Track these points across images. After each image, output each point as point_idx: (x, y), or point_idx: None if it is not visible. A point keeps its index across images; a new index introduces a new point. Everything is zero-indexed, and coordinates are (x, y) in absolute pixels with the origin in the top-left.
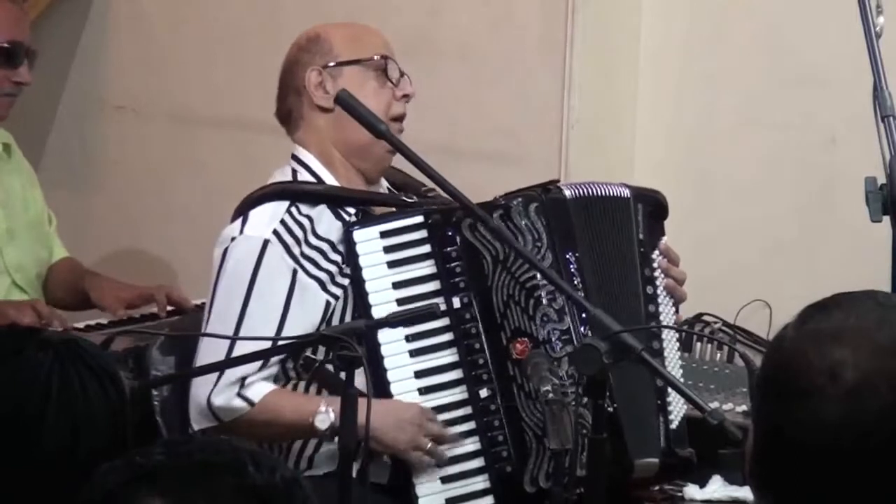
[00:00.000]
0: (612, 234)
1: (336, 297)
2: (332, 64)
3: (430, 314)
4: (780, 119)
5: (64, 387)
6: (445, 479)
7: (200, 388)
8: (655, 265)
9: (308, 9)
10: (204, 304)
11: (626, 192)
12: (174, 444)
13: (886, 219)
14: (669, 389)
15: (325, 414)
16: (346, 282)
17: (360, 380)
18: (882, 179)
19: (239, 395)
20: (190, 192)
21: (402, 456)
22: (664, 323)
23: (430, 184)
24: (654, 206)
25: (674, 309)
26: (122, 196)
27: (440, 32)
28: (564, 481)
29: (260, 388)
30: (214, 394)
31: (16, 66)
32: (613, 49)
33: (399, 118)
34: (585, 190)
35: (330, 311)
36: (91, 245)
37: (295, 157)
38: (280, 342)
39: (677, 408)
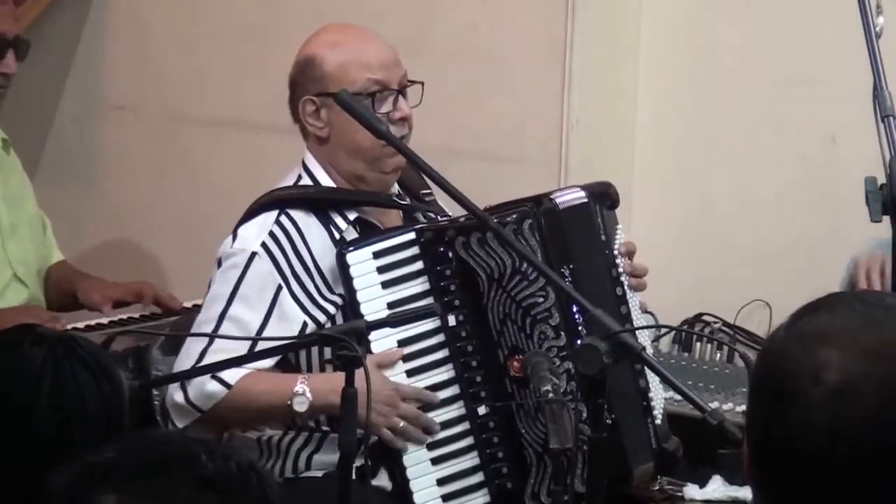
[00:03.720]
0: (586, 241)
1: (315, 321)
2: (323, 93)
3: (430, 312)
4: (780, 119)
5: (56, 380)
6: (447, 497)
7: (173, 386)
8: (619, 261)
9: (306, 9)
10: (200, 305)
11: (583, 195)
12: (125, 441)
13: (886, 219)
14: (650, 386)
15: (303, 396)
16: (329, 307)
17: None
18: (882, 179)
19: (213, 377)
20: (188, 191)
21: (375, 434)
22: (636, 322)
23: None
24: (609, 201)
25: (638, 302)
26: (120, 195)
27: (440, 32)
28: (565, 483)
29: (234, 372)
30: (187, 386)
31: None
32: (613, 49)
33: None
34: (566, 197)
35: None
36: (89, 243)
37: (304, 165)
38: (278, 343)
39: (658, 404)
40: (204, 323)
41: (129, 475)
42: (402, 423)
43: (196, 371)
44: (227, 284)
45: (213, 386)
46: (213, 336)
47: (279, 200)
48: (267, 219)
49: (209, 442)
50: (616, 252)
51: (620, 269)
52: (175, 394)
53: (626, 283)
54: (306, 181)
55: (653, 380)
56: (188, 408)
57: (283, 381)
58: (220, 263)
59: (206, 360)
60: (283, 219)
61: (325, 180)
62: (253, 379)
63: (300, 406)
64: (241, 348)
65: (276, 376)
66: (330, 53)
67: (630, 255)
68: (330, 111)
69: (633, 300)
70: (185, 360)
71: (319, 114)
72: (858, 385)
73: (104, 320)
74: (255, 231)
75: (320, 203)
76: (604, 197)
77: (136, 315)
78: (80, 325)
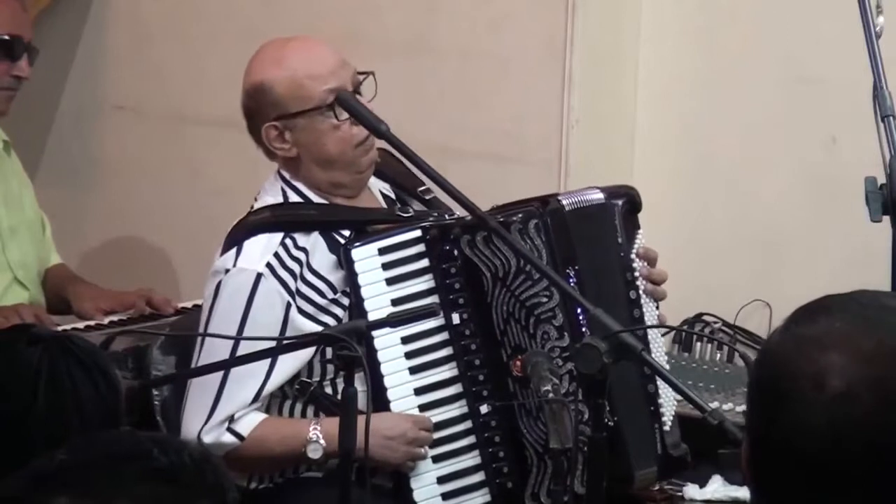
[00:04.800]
0: (600, 243)
1: (327, 327)
2: (283, 115)
3: (430, 313)
4: (780, 119)
5: (52, 380)
6: (446, 496)
7: (190, 424)
8: (635, 265)
9: (306, 9)
10: (200, 305)
11: (601, 196)
12: (76, 443)
13: (886, 219)
14: (660, 392)
15: (317, 443)
16: (338, 310)
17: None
18: (882, 179)
19: (228, 429)
20: (188, 191)
21: (397, 468)
22: (649, 325)
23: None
24: (629, 204)
25: (656, 309)
26: (120, 195)
27: (440, 32)
28: (565, 484)
29: (249, 421)
30: (204, 432)
31: (15, 59)
32: (613, 49)
33: (363, 142)
34: (574, 199)
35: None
36: (89, 244)
37: (282, 177)
38: (283, 342)
39: (668, 410)
40: (214, 354)
41: (80, 475)
42: (423, 451)
43: (196, 371)
44: (234, 313)
45: (227, 438)
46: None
47: (285, 224)
48: (272, 240)
49: (160, 437)
50: (633, 256)
51: (636, 274)
52: (190, 429)
53: (641, 287)
54: (294, 197)
55: (664, 386)
56: None
57: (296, 429)
58: (220, 283)
59: (225, 396)
60: (288, 241)
61: (310, 193)
62: (265, 428)
63: (314, 453)
64: (259, 372)
65: (289, 423)
66: (276, 74)
67: (651, 261)
68: (294, 132)
69: (649, 305)
70: (202, 398)
71: (284, 136)
72: (860, 389)
73: (104, 320)
74: (259, 250)
75: (325, 224)
76: (623, 200)
77: (136, 315)
78: (80, 325)
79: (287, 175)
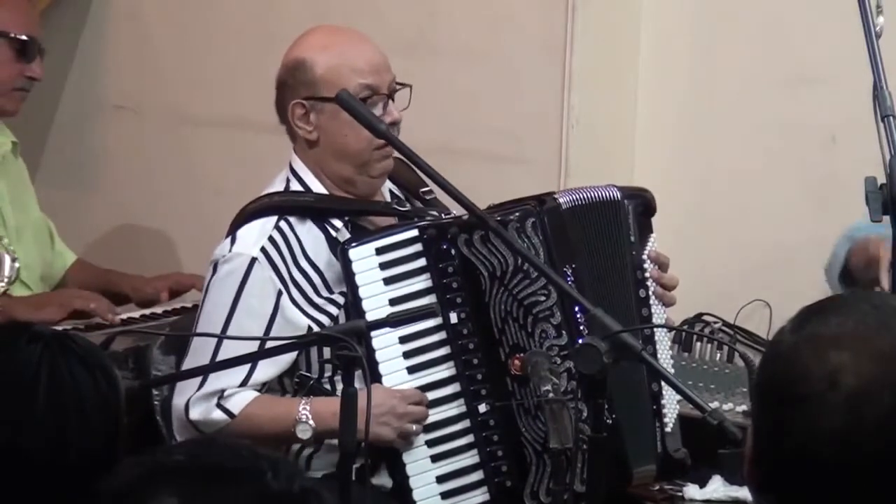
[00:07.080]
0: (606, 241)
1: (318, 324)
2: (314, 97)
3: (430, 313)
4: (780, 119)
5: (53, 378)
6: (446, 495)
7: (179, 398)
8: (646, 266)
9: (306, 9)
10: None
11: (617, 194)
12: (196, 446)
13: (886, 219)
14: (663, 393)
15: (306, 423)
16: (332, 308)
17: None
18: (882, 179)
19: (218, 405)
20: (188, 191)
21: (388, 445)
22: (646, 325)
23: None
24: (643, 206)
25: (664, 311)
26: (120, 195)
27: (440, 32)
28: (565, 483)
29: (240, 399)
30: (192, 405)
31: (29, 60)
32: (613, 49)
33: (382, 147)
34: (578, 196)
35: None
36: (90, 244)
37: (291, 168)
38: (277, 343)
39: (671, 411)
40: (207, 338)
41: (191, 481)
42: (414, 427)
43: (195, 371)
44: (227, 293)
45: (217, 414)
46: (217, 344)
47: (278, 207)
48: (266, 224)
49: (278, 460)
50: (644, 257)
51: (647, 274)
52: (179, 409)
53: (651, 287)
54: (296, 186)
55: (668, 389)
56: (188, 425)
57: (286, 409)
58: (216, 267)
59: (211, 379)
60: (283, 224)
61: (314, 184)
62: (256, 407)
63: (304, 433)
64: (251, 352)
65: (279, 402)
66: (321, 57)
67: (662, 266)
68: (319, 115)
69: (658, 306)
70: (191, 380)
71: (309, 117)
72: (875, 388)
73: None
74: (254, 236)
75: (320, 211)
76: (638, 201)
77: (137, 315)
78: (81, 324)
79: (299, 163)
